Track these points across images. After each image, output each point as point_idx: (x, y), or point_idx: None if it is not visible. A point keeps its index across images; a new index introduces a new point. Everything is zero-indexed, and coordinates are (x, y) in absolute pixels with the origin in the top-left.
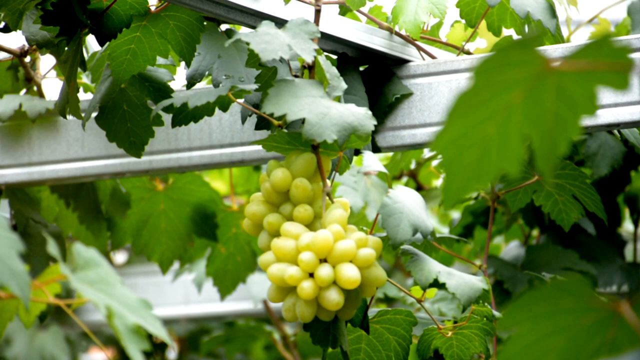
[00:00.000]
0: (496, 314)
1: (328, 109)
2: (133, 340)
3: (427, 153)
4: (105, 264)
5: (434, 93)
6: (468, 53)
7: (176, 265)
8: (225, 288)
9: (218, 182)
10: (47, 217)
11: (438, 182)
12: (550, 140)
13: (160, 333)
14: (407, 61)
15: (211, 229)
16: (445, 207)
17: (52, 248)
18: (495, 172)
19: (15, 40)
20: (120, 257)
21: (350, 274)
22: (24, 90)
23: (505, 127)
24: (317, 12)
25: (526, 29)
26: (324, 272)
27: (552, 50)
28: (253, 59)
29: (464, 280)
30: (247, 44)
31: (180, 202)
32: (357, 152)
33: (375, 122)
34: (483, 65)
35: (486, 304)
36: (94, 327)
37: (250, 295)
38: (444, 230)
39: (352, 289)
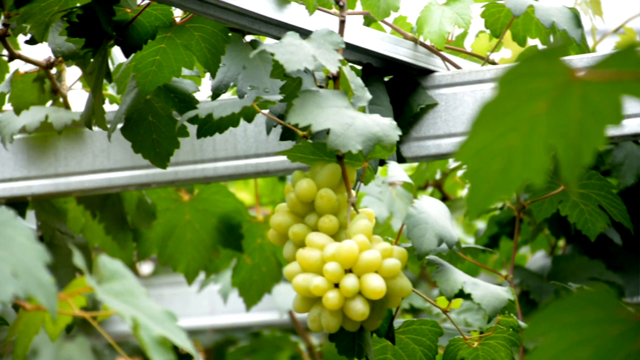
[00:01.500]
0: (522, 324)
1: (353, 120)
2: (159, 351)
3: (452, 163)
4: (131, 275)
5: (458, 103)
6: (493, 63)
7: (202, 276)
8: (250, 298)
9: (243, 193)
10: (73, 229)
11: (463, 193)
12: (575, 150)
13: (185, 345)
14: (432, 71)
15: (236, 240)
16: (470, 218)
17: (78, 259)
18: (520, 182)
19: (42, 52)
20: (146, 267)
21: (375, 284)
22: (50, 102)
23: (529, 137)
24: (342, 23)
25: (551, 39)
26: (350, 282)
27: (578, 60)
28: (278, 70)
29: (490, 290)
30: (272, 54)
31: (205, 212)
32: (382, 163)
33: (400, 133)
34: (508, 75)
35: (512, 314)
36: (119, 339)
37: (275, 306)
38: (469, 241)
39: (377, 299)
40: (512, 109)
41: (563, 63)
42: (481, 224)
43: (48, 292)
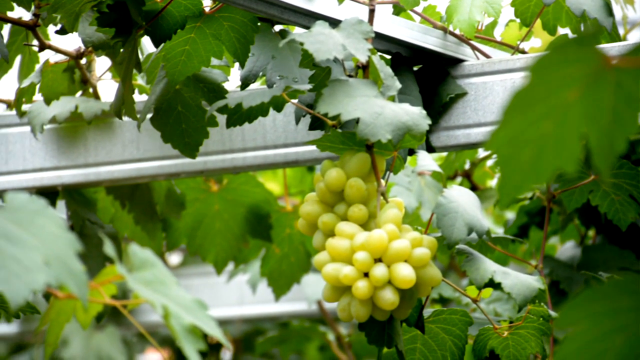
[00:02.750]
0: (553, 313)
1: (382, 109)
2: (189, 340)
3: (481, 153)
4: (161, 264)
5: (488, 92)
6: (523, 52)
7: (230, 266)
8: (279, 288)
9: (272, 183)
10: (103, 218)
11: (493, 182)
12: (607, 138)
13: (216, 333)
14: (462, 61)
15: (265, 230)
16: (501, 207)
17: (109, 248)
18: (552, 170)
19: (72, 42)
20: (174, 258)
21: (405, 273)
22: (79, 92)
23: (562, 125)
24: (371, 12)
25: (582, 28)
26: (379, 271)
27: (610, 48)
28: (307, 59)
29: (520, 279)
30: (301, 44)
31: (234, 202)
32: (412, 152)
33: (429, 122)
34: (540, 62)
35: (542, 303)
36: (149, 328)
37: (304, 296)
38: (498, 231)
39: (407, 288)
40: (545, 96)
41: (596, 50)
42: (510, 215)
43: (79, 281)
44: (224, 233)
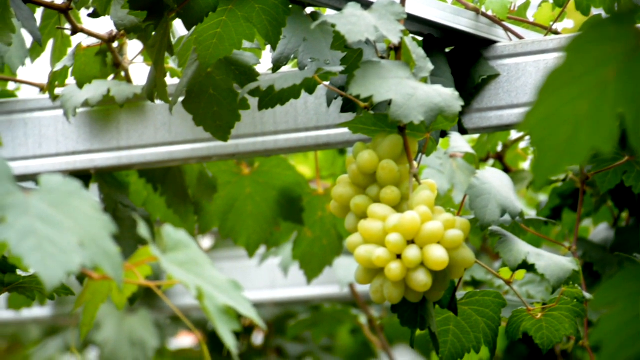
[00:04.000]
0: (587, 295)
1: (415, 90)
2: (224, 320)
3: (514, 135)
4: (194, 245)
5: (521, 74)
6: (556, 33)
7: (261, 249)
8: (311, 271)
9: (303, 167)
10: (135, 202)
11: (525, 165)
12: None
13: (250, 314)
14: (494, 42)
15: (297, 213)
16: (536, 187)
17: (143, 229)
18: (588, 150)
19: (104, 25)
20: (206, 242)
21: (438, 255)
22: (111, 76)
23: (598, 104)
24: None
25: (616, 8)
26: (412, 253)
27: None
28: (339, 42)
29: (554, 261)
30: (333, 25)
31: (266, 185)
32: (444, 134)
33: (462, 103)
34: (575, 41)
35: (576, 285)
36: (181, 312)
37: (335, 280)
38: (531, 214)
39: (439, 270)
40: (580, 75)
41: (633, 28)
42: (543, 197)
43: (114, 262)
44: (256, 216)
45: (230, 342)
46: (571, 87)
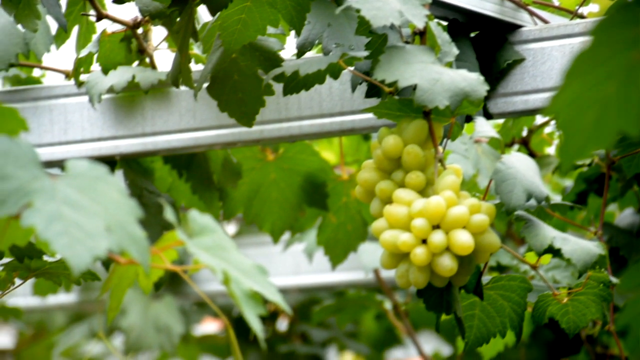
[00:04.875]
0: (613, 279)
1: (440, 75)
2: (250, 305)
3: (539, 120)
4: (220, 230)
5: (546, 58)
6: (581, 17)
7: (285, 235)
8: (336, 257)
9: (327, 152)
10: (160, 188)
11: (550, 150)
12: None
13: (276, 298)
14: (519, 26)
15: (322, 198)
16: (562, 171)
17: (169, 214)
18: (615, 132)
19: (129, 11)
20: (230, 228)
21: (463, 239)
22: (136, 62)
23: (625, 86)
24: None
25: None
26: (437, 238)
27: None
28: (363, 27)
29: (580, 245)
30: (358, 10)
31: (290, 171)
32: (469, 120)
33: (487, 87)
34: (602, 24)
35: (603, 269)
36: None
37: (360, 265)
38: (556, 199)
39: (465, 255)
40: (607, 57)
41: None
42: (568, 182)
43: (141, 247)
44: (281, 202)
45: (256, 326)
46: (598, 70)
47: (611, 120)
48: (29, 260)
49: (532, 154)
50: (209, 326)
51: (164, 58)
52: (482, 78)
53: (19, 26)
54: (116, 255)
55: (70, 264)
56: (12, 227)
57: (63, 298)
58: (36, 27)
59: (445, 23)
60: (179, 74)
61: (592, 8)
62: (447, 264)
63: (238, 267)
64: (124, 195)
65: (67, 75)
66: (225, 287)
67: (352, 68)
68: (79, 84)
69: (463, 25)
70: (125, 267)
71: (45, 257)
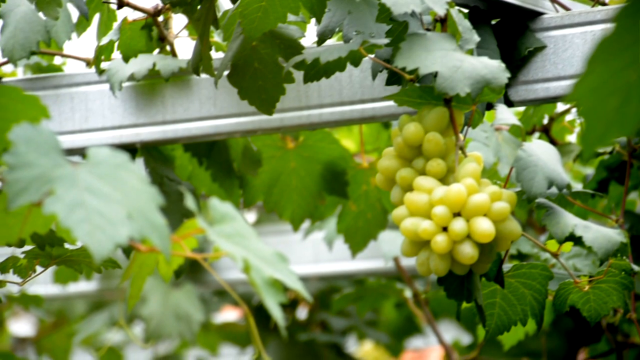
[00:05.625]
0: (635, 267)
1: (461, 62)
2: (270, 293)
3: (560, 107)
4: (241, 217)
5: (568, 45)
6: (603, 4)
7: (306, 224)
8: (356, 245)
9: (347, 141)
10: (180, 176)
11: (571, 137)
12: None
13: (297, 286)
14: (540, 13)
15: (342, 187)
16: (583, 158)
17: (190, 201)
18: (637, 120)
19: None
20: (250, 216)
21: (484, 227)
22: (157, 50)
23: None
24: None
25: None
26: (458, 225)
27: None
28: (384, 14)
29: (601, 233)
30: None
31: (310, 159)
32: (489, 107)
33: (508, 75)
34: (625, 9)
35: (624, 257)
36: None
37: (380, 254)
38: (577, 187)
39: (486, 242)
40: (630, 44)
41: None
42: (589, 170)
43: (161, 234)
44: (301, 190)
45: (277, 314)
46: (621, 57)
47: (633, 107)
48: (50, 248)
49: (553, 142)
50: (228, 314)
51: (185, 46)
52: (503, 65)
53: (41, 14)
54: (137, 243)
55: (92, 251)
56: (34, 215)
57: (83, 286)
58: (57, 15)
59: (466, 10)
60: (200, 62)
61: None
62: (467, 252)
63: (258, 255)
64: (145, 182)
65: (88, 63)
66: (246, 275)
67: (372, 56)
68: (100, 71)
69: (484, 13)
70: (146, 255)
71: (66, 245)
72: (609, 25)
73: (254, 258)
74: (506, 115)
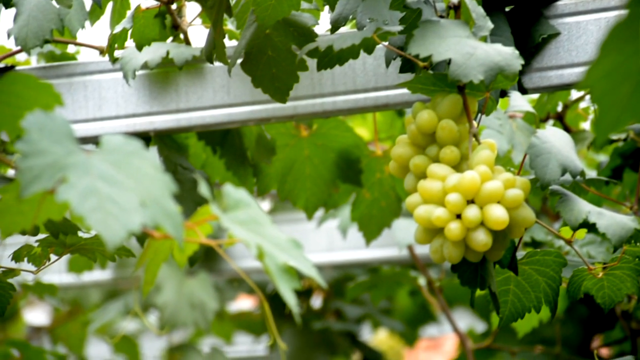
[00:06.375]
0: None
1: (474, 49)
2: (284, 279)
3: (574, 94)
4: (255, 204)
5: (582, 32)
6: None
7: (320, 212)
8: (370, 233)
9: (361, 129)
10: (194, 164)
11: (586, 125)
12: None
13: (311, 272)
14: (554, 0)
15: (355, 175)
16: (597, 145)
17: (204, 189)
18: None
19: None
20: (264, 205)
21: (498, 214)
22: (170, 38)
23: None
24: None
25: None
26: (472, 213)
27: None
28: (397, 1)
29: (615, 220)
30: None
31: (324, 148)
32: (503, 95)
33: (522, 62)
34: None
35: (638, 244)
36: (240, 275)
37: (394, 242)
38: (591, 174)
39: (500, 229)
40: None
41: None
42: (603, 158)
43: (175, 221)
44: (314, 178)
45: (291, 300)
46: (633, 43)
47: None
48: (64, 236)
49: (567, 129)
50: (243, 303)
51: (198, 34)
52: (516, 52)
53: (54, 2)
54: (151, 230)
55: (105, 239)
56: (47, 202)
57: (98, 275)
58: (71, 4)
59: None
60: (213, 50)
61: None
62: (481, 239)
63: (273, 242)
64: (159, 170)
65: (102, 52)
66: (260, 261)
67: (386, 43)
68: (113, 60)
69: (498, 0)
70: (160, 242)
71: (80, 234)
72: (622, 12)
73: (268, 244)
74: (520, 103)
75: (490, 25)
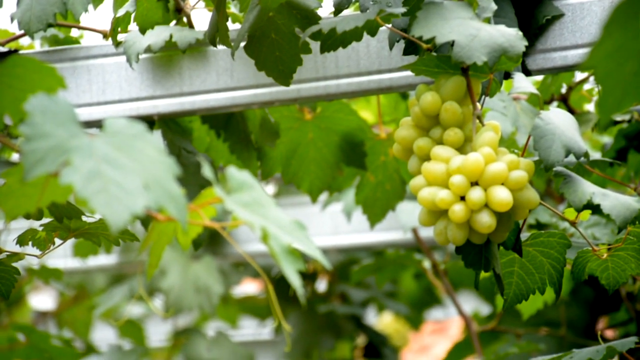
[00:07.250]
0: None
1: (478, 31)
2: (289, 260)
3: (578, 76)
4: (259, 186)
5: (586, 13)
6: None
7: (324, 195)
8: (374, 216)
9: (365, 112)
10: (198, 148)
11: (590, 106)
12: None
13: (316, 253)
14: None
15: (360, 157)
16: (601, 126)
17: (207, 171)
18: None
19: None
20: (268, 189)
21: (502, 196)
22: (173, 21)
23: None
24: None
25: None
26: (476, 194)
27: None
28: None
29: (620, 201)
30: None
31: (328, 130)
32: (507, 76)
33: (526, 43)
34: None
35: None
36: (244, 259)
37: (398, 225)
38: (595, 156)
39: (504, 211)
40: None
41: None
42: (607, 139)
43: (178, 204)
44: (319, 161)
45: (295, 282)
46: (637, 22)
47: None
48: (69, 220)
49: (571, 111)
50: (248, 287)
51: (201, 17)
52: (520, 34)
53: None
54: (154, 213)
55: (109, 222)
56: (51, 185)
57: (103, 260)
58: None
59: None
60: (216, 33)
61: None
62: (485, 221)
63: (277, 223)
64: (162, 152)
65: (105, 35)
66: (264, 243)
67: (389, 25)
68: (117, 43)
69: None
70: (164, 224)
71: (84, 218)
72: None
73: (272, 226)
74: (524, 84)
75: (493, 6)
